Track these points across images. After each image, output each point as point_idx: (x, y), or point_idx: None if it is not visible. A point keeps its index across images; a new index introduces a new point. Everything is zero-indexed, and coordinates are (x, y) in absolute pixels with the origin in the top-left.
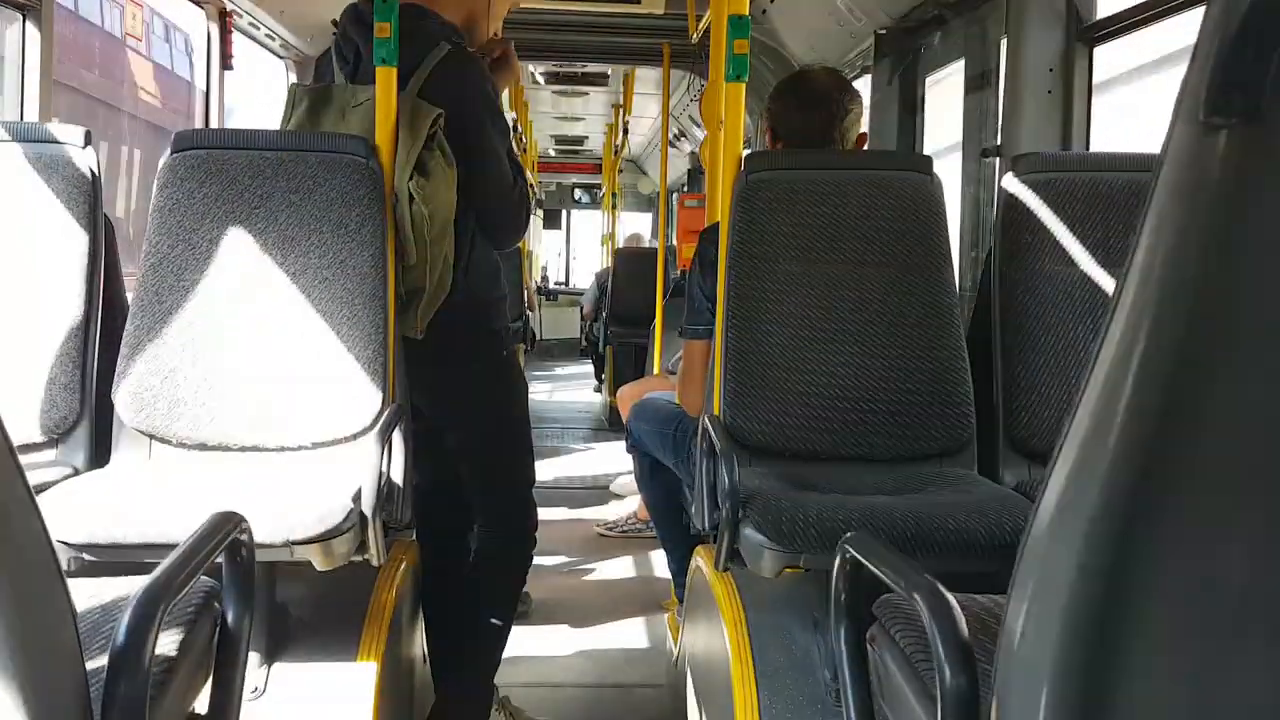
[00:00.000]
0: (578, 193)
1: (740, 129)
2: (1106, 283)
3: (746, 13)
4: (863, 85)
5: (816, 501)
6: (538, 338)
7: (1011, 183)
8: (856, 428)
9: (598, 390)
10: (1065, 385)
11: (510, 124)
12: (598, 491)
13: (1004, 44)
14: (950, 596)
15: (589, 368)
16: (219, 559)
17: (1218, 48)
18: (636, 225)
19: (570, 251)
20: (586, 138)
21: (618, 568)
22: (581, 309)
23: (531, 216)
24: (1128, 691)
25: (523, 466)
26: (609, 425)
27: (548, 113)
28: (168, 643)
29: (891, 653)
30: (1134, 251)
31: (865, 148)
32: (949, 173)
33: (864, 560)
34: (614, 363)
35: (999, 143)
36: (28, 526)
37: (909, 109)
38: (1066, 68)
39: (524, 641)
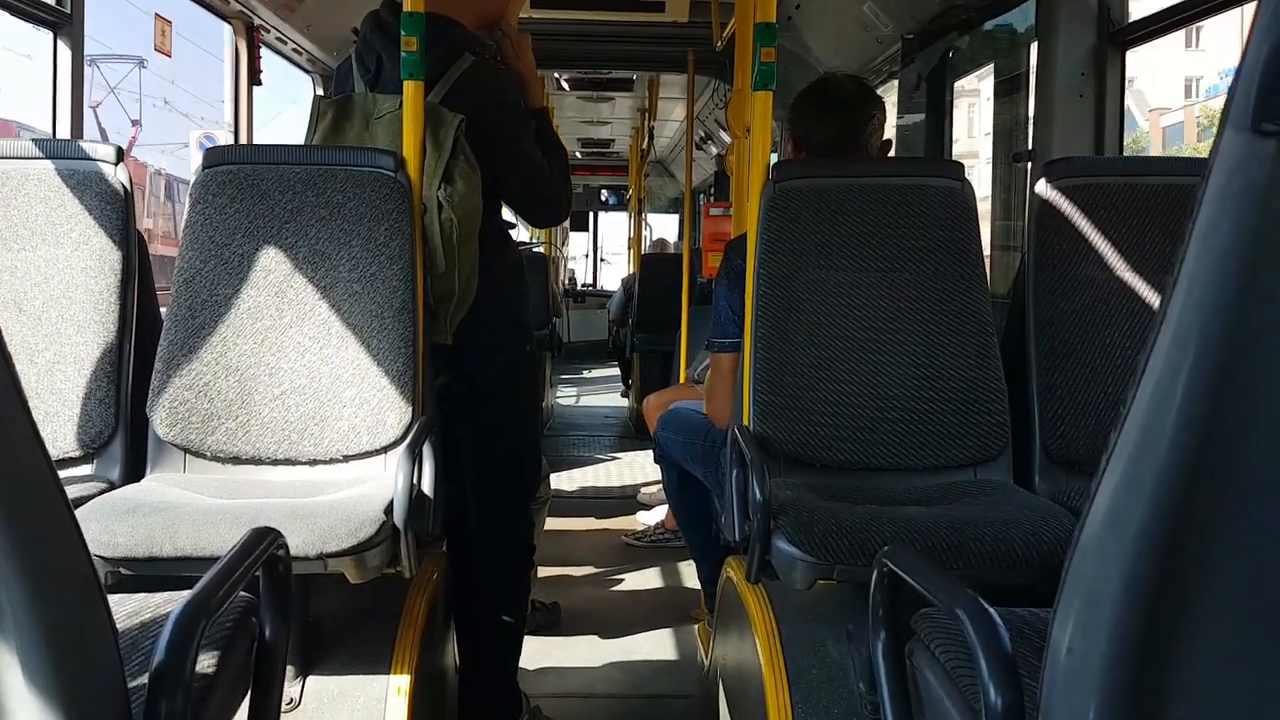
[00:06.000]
0: (605, 194)
1: (769, 138)
2: (1143, 289)
3: (774, 20)
4: (889, 91)
5: (850, 513)
6: (565, 341)
7: (1044, 188)
8: (889, 438)
9: (625, 395)
10: (1102, 393)
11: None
12: (625, 501)
13: (1034, 48)
14: (993, 611)
15: (616, 370)
16: (256, 574)
17: (1268, 53)
18: (664, 226)
19: (598, 253)
20: (613, 140)
21: (646, 578)
22: (609, 314)
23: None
24: (1177, 705)
25: (525, 467)
26: (635, 433)
27: (573, 117)
28: (206, 659)
29: (931, 667)
30: (1181, 260)
31: (890, 154)
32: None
33: (903, 574)
34: (640, 369)
35: (1030, 147)
36: (68, 542)
37: (936, 114)
38: (1098, 71)
39: (553, 651)
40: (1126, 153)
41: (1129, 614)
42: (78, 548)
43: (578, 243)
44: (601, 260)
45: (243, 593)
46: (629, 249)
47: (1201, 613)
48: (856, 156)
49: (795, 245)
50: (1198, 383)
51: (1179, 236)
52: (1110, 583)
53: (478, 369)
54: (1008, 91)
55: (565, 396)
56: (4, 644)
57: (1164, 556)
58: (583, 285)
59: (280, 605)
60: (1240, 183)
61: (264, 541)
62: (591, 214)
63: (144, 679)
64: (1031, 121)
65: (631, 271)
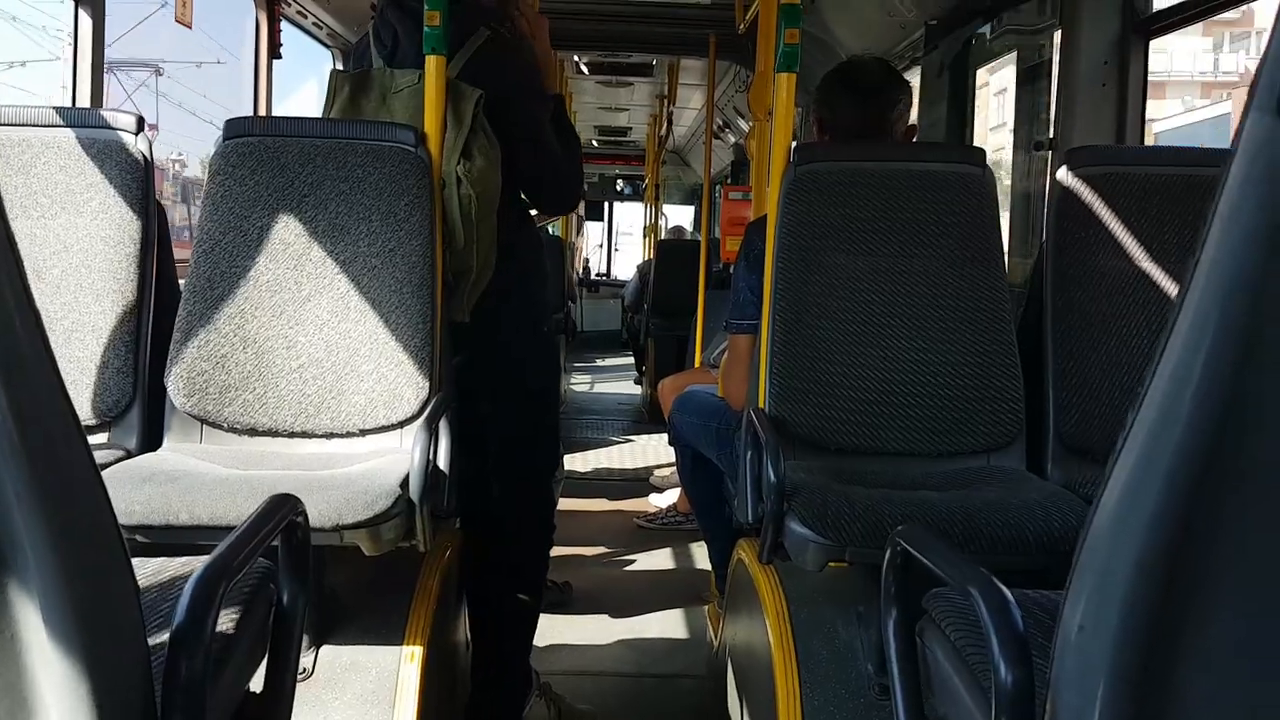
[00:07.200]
0: (620, 184)
1: (791, 120)
2: (1162, 278)
3: (798, 1)
4: (912, 77)
5: (863, 495)
6: (579, 329)
7: (1066, 176)
8: (904, 422)
9: (638, 382)
10: (1118, 381)
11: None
12: (637, 484)
13: (1057, 36)
14: (1006, 590)
15: (630, 359)
16: (274, 541)
17: None
18: (679, 218)
19: (613, 243)
20: (630, 129)
21: (657, 559)
22: (623, 301)
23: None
24: (1185, 685)
25: (546, 445)
26: (649, 418)
27: (591, 103)
28: (226, 622)
29: (942, 646)
30: (1204, 242)
31: (914, 139)
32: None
33: (915, 553)
34: (655, 355)
35: (1051, 135)
36: (94, 499)
37: (959, 101)
38: (1121, 60)
39: (564, 630)
40: None
41: (1141, 592)
42: (103, 505)
43: (592, 232)
44: (616, 249)
45: (262, 559)
46: (645, 236)
47: (1214, 592)
48: (882, 140)
49: (815, 228)
50: (1217, 364)
51: (1200, 223)
52: (1123, 560)
53: (496, 347)
54: (1030, 79)
55: (579, 384)
56: (28, 599)
57: (1178, 535)
58: (597, 274)
59: (298, 571)
60: (1264, 166)
61: (284, 508)
62: (607, 204)
63: (163, 637)
64: (1054, 109)
65: (647, 258)
